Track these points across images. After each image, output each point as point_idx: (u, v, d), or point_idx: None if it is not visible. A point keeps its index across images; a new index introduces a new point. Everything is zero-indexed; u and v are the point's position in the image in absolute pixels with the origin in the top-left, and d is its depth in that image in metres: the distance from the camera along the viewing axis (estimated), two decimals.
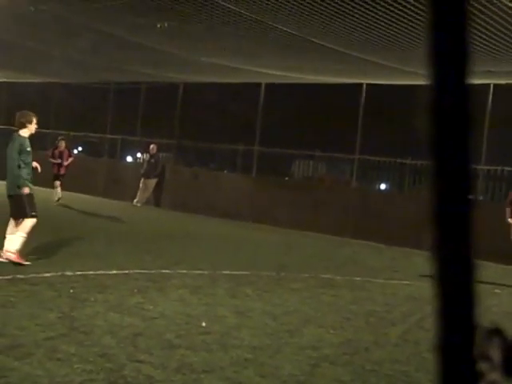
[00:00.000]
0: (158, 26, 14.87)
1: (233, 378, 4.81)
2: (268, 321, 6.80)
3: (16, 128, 8.86)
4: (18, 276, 7.65)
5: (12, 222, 8.63)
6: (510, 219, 12.05)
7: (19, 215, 8.59)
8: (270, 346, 5.78)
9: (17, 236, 8.42)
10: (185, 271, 9.26)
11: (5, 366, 4.55)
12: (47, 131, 25.56)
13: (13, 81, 26.09)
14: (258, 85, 20.10)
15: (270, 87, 20.00)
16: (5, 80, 26.20)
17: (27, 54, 20.42)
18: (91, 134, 25.65)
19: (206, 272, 9.43)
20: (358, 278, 10.21)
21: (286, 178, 23.16)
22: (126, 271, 8.72)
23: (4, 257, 8.31)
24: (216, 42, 14.79)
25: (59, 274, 8.05)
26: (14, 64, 22.25)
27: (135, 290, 7.50)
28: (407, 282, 10.35)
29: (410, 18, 9.80)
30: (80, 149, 28.09)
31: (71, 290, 7.14)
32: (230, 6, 10.84)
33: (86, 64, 20.14)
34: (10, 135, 9.11)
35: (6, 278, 7.48)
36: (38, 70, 22.82)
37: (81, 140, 27.40)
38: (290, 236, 15.40)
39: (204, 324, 6.31)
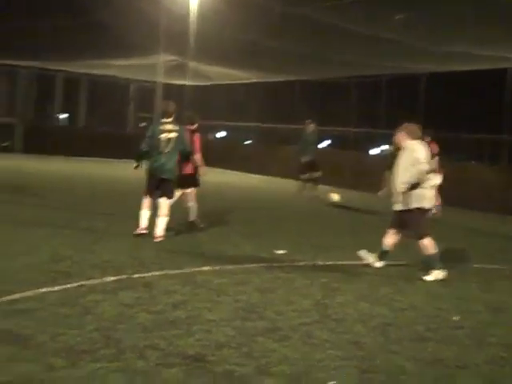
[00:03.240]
0: (396, 17, 14.76)
1: (488, 376, 4.65)
2: None
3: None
4: (274, 264, 8.12)
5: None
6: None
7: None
8: None
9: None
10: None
11: (266, 347, 4.88)
12: (293, 127, 26.65)
13: (261, 80, 27.59)
14: (504, 70, 18.93)
15: None
16: (255, 80, 27.81)
17: (274, 54, 21.45)
18: (337, 128, 26.20)
19: (455, 265, 9.16)
20: None
21: None
22: None
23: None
24: (460, 29, 14.27)
25: (311, 263, 8.40)
26: (263, 65, 23.52)
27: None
28: None
29: None
30: (328, 142, 28.80)
31: (323, 279, 7.40)
32: None
33: (329, 60, 20.61)
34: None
35: (263, 265, 7.98)
36: (283, 69, 23.85)
37: (329, 134, 28.11)
38: None
39: (456, 318, 6.16)
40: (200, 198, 10.78)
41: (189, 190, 10.36)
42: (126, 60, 26.83)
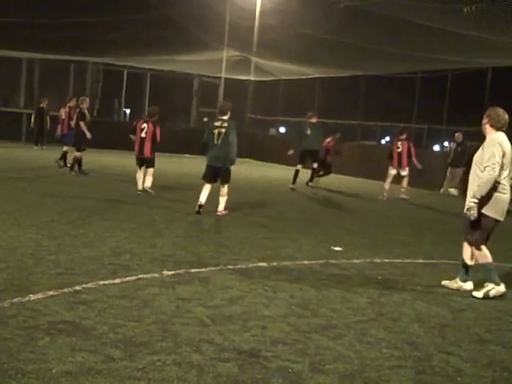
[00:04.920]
0: (465, 10, 14.41)
1: None
2: None
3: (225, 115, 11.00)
4: (330, 261, 8.10)
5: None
6: None
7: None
8: None
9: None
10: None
11: (320, 344, 4.89)
12: (356, 122, 26.47)
13: (324, 76, 27.47)
14: None
15: None
16: (317, 76, 27.71)
17: (337, 50, 21.31)
18: (397, 124, 25.92)
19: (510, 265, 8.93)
20: None
21: None
22: (434, 261, 8.69)
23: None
24: None
25: (368, 260, 8.34)
26: (326, 60, 23.40)
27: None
28: None
29: None
30: (388, 139, 28.49)
31: (379, 277, 7.35)
32: None
33: (393, 55, 20.35)
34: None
35: (319, 262, 7.98)
36: (347, 64, 23.68)
37: (389, 130, 27.82)
38: None
39: None
40: (259, 193, 10.88)
41: (149, 169, 13.16)
42: (190, 55, 27.16)
